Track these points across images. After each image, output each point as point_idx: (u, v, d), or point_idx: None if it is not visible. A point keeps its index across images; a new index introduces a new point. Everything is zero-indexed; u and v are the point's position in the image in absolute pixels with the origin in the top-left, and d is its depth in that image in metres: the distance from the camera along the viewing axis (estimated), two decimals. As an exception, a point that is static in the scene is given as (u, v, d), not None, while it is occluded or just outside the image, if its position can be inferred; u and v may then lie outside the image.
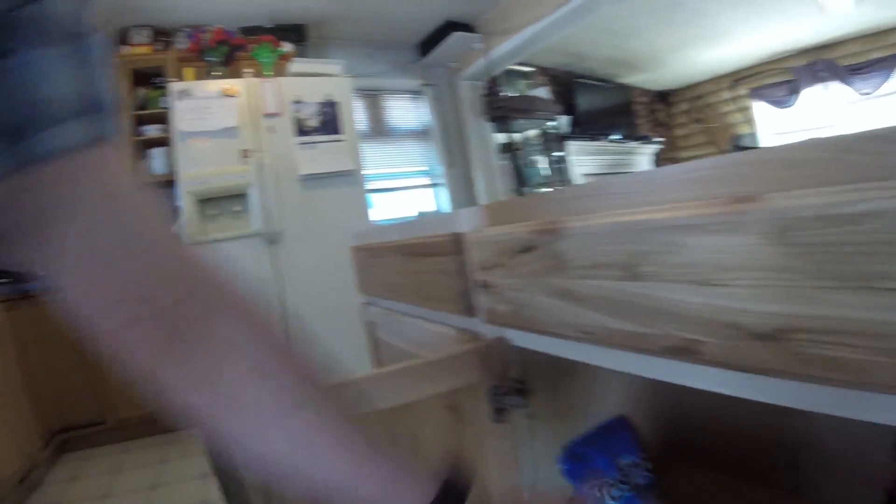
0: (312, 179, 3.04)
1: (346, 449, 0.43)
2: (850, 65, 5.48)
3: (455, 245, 0.85)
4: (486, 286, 0.79)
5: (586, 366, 1.02)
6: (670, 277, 0.49)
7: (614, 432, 1.08)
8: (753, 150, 0.46)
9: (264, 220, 2.91)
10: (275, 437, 0.41)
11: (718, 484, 1.14)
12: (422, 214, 3.79)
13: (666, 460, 1.16)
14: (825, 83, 5.68)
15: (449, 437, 0.80)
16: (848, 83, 5.50)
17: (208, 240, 2.78)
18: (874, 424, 0.40)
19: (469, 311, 0.85)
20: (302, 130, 3.08)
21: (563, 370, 0.97)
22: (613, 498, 0.95)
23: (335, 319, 2.63)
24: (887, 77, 5.23)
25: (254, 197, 2.91)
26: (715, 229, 0.45)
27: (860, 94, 5.48)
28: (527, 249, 0.67)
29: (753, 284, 0.43)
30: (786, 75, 5.96)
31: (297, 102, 3.09)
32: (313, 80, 3.19)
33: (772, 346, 0.43)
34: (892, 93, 5.28)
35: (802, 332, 0.40)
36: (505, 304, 0.75)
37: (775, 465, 1.09)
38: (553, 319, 0.65)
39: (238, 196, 2.93)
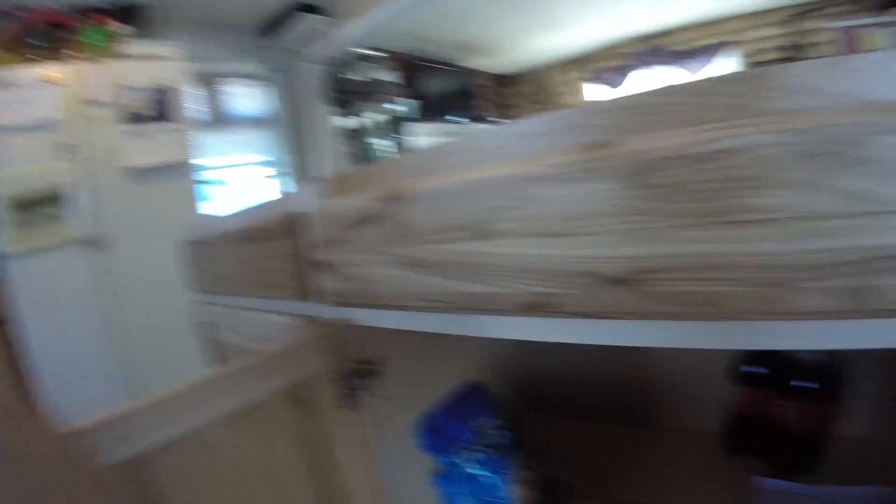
0: (143, 174, 2.76)
1: None
2: (678, 50, 6.00)
3: (292, 225, 0.78)
4: (326, 266, 0.72)
5: (437, 337, 1.00)
6: (522, 233, 0.46)
7: (467, 398, 1.07)
8: (607, 100, 0.44)
9: (89, 222, 2.61)
10: None
11: (582, 429, 1.21)
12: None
13: (528, 416, 1.20)
14: (655, 67, 6.16)
15: (299, 433, 0.74)
16: (676, 66, 6.02)
17: (26, 251, 2.42)
18: (713, 353, 0.41)
19: (311, 295, 0.79)
20: (131, 119, 2.80)
21: (414, 345, 0.94)
22: (474, 462, 0.95)
23: (177, 327, 2.38)
24: (709, 61, 5.83)
25: (77, 197, 2.61)
26: (569, 178, 0.43)
27: (686, 76, 6.01)
28: (369, 220, 0.61)
29: (607, 231, 0.41)
30: (619, 60, 6.36)
31: (128, 89, 2.80)
32: (146, 65, 2.86)
33: (627, 289, 0.42)
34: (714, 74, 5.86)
35: (658, 272, 0.40)
36: (347, 282, 0.69)
37: (632, 403, 1.18)
38: (400, 292, 0.60)
39: (60, 197, 2.58)
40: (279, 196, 0.84)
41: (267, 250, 0.85)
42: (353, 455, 0.80)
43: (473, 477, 0.94)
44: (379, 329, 0.76)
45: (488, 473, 0.94)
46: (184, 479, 0.61)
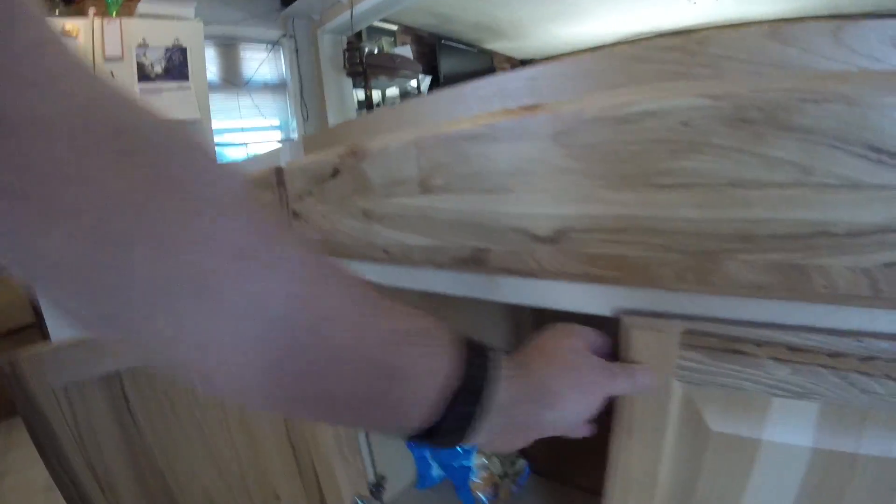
0: (157, 130, 2.80)
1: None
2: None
3: (274, 178, 0.79)
4: (298, 215, 0.75)
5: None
6: (460, 188, 0.48)
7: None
8: (546, 63, 0.44)
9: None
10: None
11: None
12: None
13: None
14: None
15: None
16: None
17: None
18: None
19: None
20: (145, 76, 2.82)
21: None
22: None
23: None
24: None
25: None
26: (499, 137, 0.44)
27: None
28: (334, 174, 0.64)
29: (536, 189, 0.43)
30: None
31: (142, 46, 2.82)
32: (161, 23, 2.91)
33: (554, 247, 0.43)
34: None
35: (582, 232, 0.41)
36: (316, 232, 0.72)
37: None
38: (357, 242, 0.63)
39: None
40: (270, 151, 0.85)
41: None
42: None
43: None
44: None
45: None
46: (158, 403, 0.65)
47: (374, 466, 0.96)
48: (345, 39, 4.22)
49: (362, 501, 0.91)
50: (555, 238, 0.43)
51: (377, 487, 0.95)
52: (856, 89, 0.30)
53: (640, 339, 0.41)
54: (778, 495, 0.39)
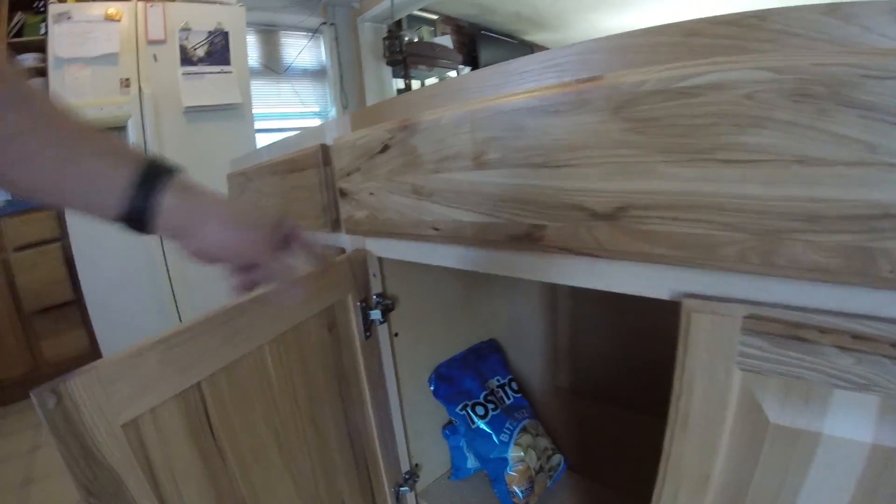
0: (197, 112, 2.84)
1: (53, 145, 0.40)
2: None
3: (320, 156, 0.80)
4: (345, 194, 0.75)
5: (456, 292, 1.02)
6: (515, 162, 0.47)
7: (484, 355, 1.10)
8: (601, 38, 0.43)
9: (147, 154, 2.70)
10: None
11: (599, 411, 1.17)
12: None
13: (554, 390, 1.21)
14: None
15: (332, 360, 0.74)
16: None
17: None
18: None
19: (335, 224, 0.81)
20: (188, 60, 2.86)
21: (433, 292, 0.97)
22: (480, 416, 0.97)
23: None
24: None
25: (133, 130, 2.69)
26: (558, 109, 0.43)
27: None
28: (383, 149, 0.63)
29: (594, 163, 0.42)
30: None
31: (185, 30, 2.86)
32: (204, 7, 2.95)
33: (613, 224, 0.42)
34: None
35: (643, 209, 0.40)
36: (362, 209, 0.71)
37: (655, 394, 1.13)
38: (405, 219, 0.63)
39: (117, 129, 2.67)
40: (313, 128, 0.86)
41: (299, 180, 0.88)
42: (370, 384, 0.83)
43: (477, 431, 0.96)
44: (394, 265, 0.81)
45: (491, 430, 0.96)
46: (239, 397, 0.58)
47: (409, 455, 0.96)
48: (385, 28, 4.23)
49: (397, 489, 0.92)
50: (614, 215, 0.41)
51: (411, 476, 0.96)
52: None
53: (700, 323, 0.40)
54: (835, 492, 0.37)
